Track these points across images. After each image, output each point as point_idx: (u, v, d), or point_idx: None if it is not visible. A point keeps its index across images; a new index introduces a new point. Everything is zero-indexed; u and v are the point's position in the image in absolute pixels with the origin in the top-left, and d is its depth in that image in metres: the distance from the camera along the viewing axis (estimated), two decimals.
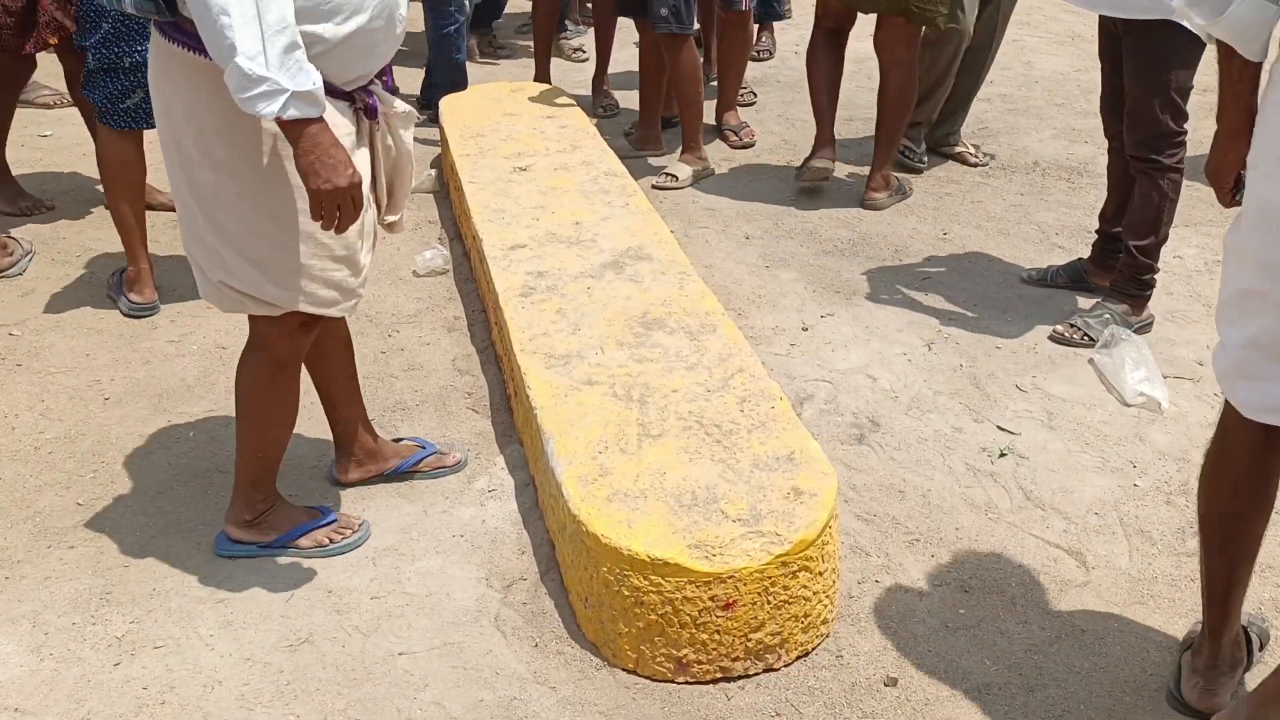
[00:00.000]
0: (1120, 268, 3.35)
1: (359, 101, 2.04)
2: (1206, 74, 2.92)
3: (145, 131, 3.32)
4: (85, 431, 2.83)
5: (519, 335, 2.74)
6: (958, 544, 2.46)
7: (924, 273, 3.77)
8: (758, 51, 6.24)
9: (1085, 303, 3.52)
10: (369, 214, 2.14)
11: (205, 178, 1.99)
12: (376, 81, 2.10)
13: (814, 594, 2.10)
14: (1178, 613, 2.27)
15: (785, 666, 2.10)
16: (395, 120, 2.13)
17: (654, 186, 4.42)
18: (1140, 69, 3.11)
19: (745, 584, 2.00)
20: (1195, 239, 4.05)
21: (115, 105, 3.22)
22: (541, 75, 5.26)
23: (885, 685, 2.08)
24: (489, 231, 3.34)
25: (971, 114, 5.38)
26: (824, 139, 4.33)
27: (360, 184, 1.91)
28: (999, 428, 2.88)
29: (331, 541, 2.37)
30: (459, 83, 4.97)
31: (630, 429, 2.35)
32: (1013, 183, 4.60)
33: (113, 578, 2.32)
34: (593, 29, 5.52)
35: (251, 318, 2.18)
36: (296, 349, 2.21)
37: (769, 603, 2.03)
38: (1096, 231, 3.59)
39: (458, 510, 2.53)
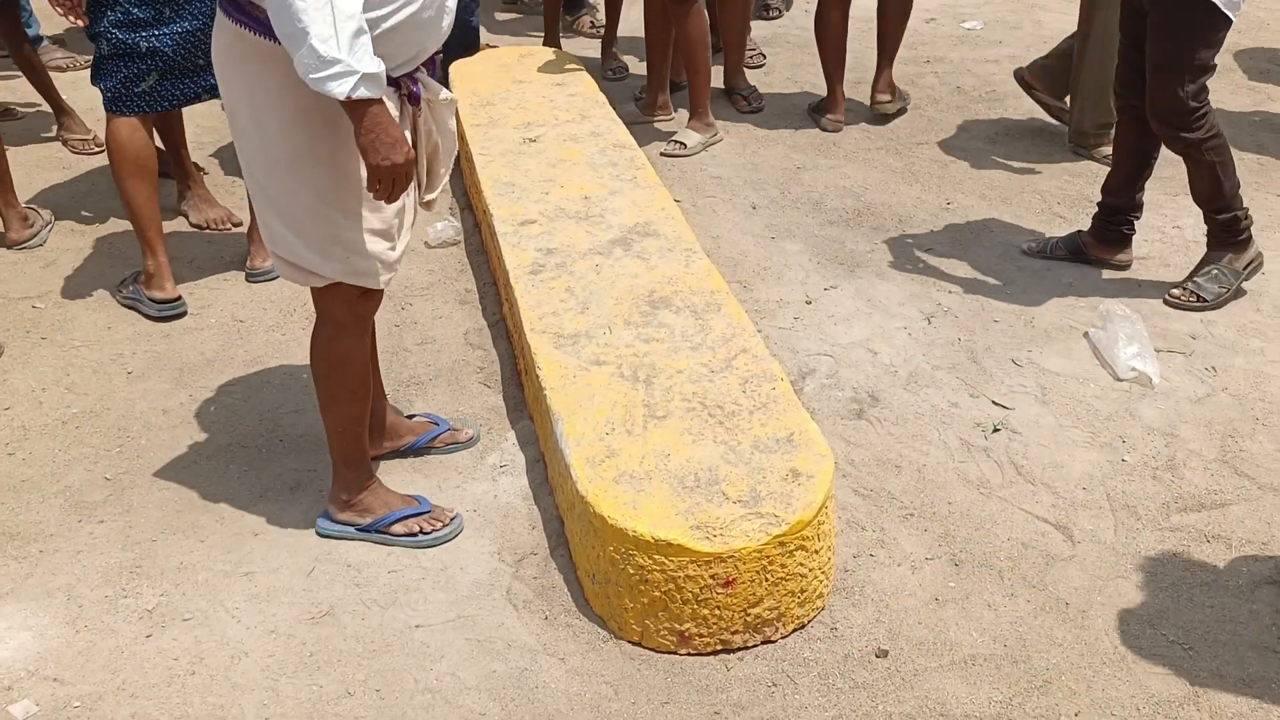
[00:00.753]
0: (1209, 232, 3.48)
1: (404, 88, 2.12)
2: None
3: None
4: (110, 406, 2.94)
5: (529, 314, 2.83)
6: (950, 518, 2.56)
7: (926, 243, 3.83)
8: (769, 10, 6.25)
9: (1071, 272, 3.59)
10: (410, 193, 2.24)
11: (255, 149, 2.11)
12: (421, 69, 2.18)
13: (810, 571, 2.20)
14: (1159, 586, 2.37)
15: (782, 639, 2.21)
16: (439, 107, 2.22)
17: (662, 154, 4.48)
18: (1164, 45, 3.17)
19: (744, 563, 2.10)
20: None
21: (130, 90, 3.20)
22: (551, 39, 5.29)
23: (877, 656, 2.19)
24: (499, 206, 3.41)
25: (979, 77, 5.41)
26: (834, 99, 4.56)
27: (414, 161, 2.03)
28: (994, 403, 2.97)
29: (423, 531, 2.46)
30: (471, 45, 4.99)
31: (636, 410, 2.45)
32: (1017, 149, 4.63)
33: (141, 552, 2.44)
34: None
35: (314, 291, 2.28)
36: (357, 316, 2.31)
37: (767, 580, 2.14)
38: (1098, 204, 3.65)
39: (470, 485, 2.64)
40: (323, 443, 2.77)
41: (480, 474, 2.68)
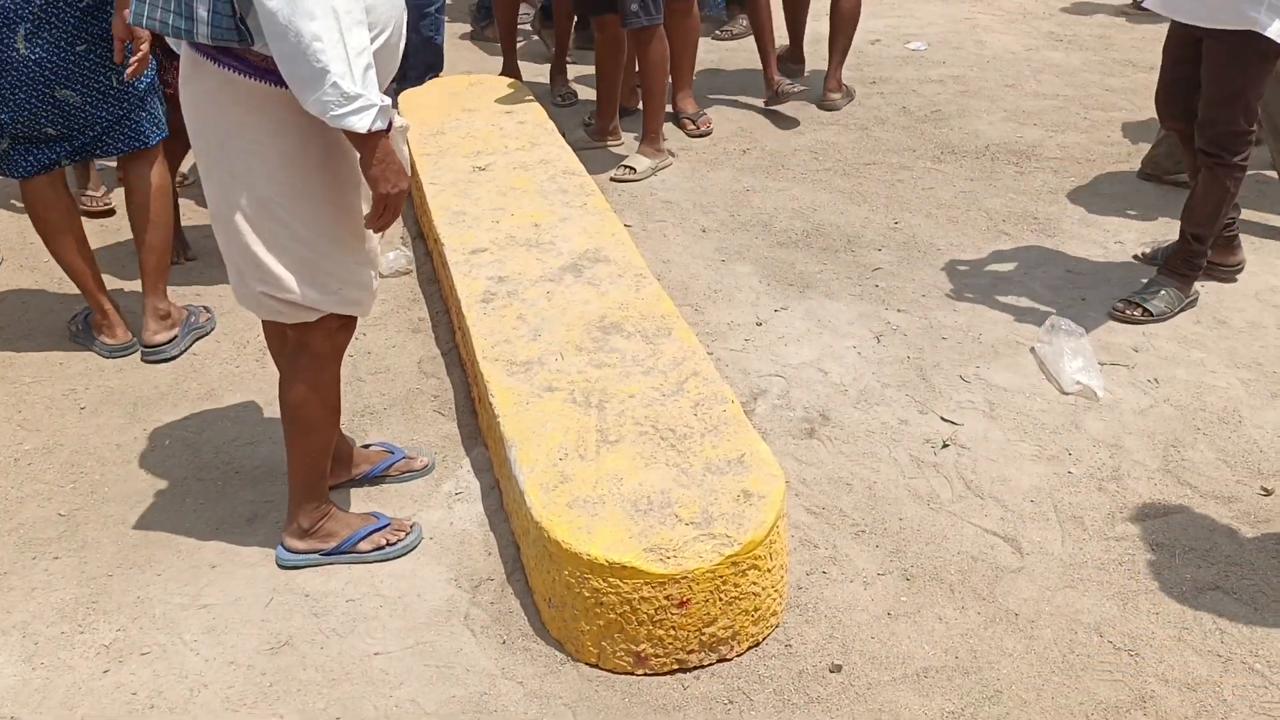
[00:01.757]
0: (1176, 250, 3.55)
1: None
2: None
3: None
4: (63, 442, 2.92)
5: (481, 343, 2.85)
6: (901, 534, 2.61)
7: (875, 263, 3.90)
8: (723, 33, 6.34)
9: (1017, 288, 3.67)
10: None
11: (253, 190, 2.11)
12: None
13: (763, 589, 2.24)
14: (1105, 595, 2.43)
15: (738, 657, 2.25)
16: (395, 134, 2.24)
17: (612, 178, 4.53)
18: (1220, 74, 3.26)
19: (698, 583, 2.13)
20: (1137, 224, 4.20)
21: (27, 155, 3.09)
22: (510, 69, 5.34)
23: (831, 671, 2.22)
24: (450, 235, 3.44)
25: (925, 97, 5.52)
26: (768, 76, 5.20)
27: (409, 186, 2.09)
28: (942, 419, 3.02)
29: (389, 544, 2.49)
30: (435, 65, 5.01)
31: (589, 435, 2.48)
32: (963, 168, 4.73)
33: (97, 587, 2.43)
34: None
35: (294, 327, 2.29)
36: (336, 349, 2.36)
37: (721, 599, 2.17)
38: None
39: (426, 513, 2.65)
40: (278, 474, 2.77)
41: (436, 501, 2.70)
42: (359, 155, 2.03)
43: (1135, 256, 3.90)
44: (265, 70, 1.99)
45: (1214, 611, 2.38)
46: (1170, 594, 2.43)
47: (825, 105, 5.30)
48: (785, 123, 5.20)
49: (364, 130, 1.92)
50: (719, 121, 5.20)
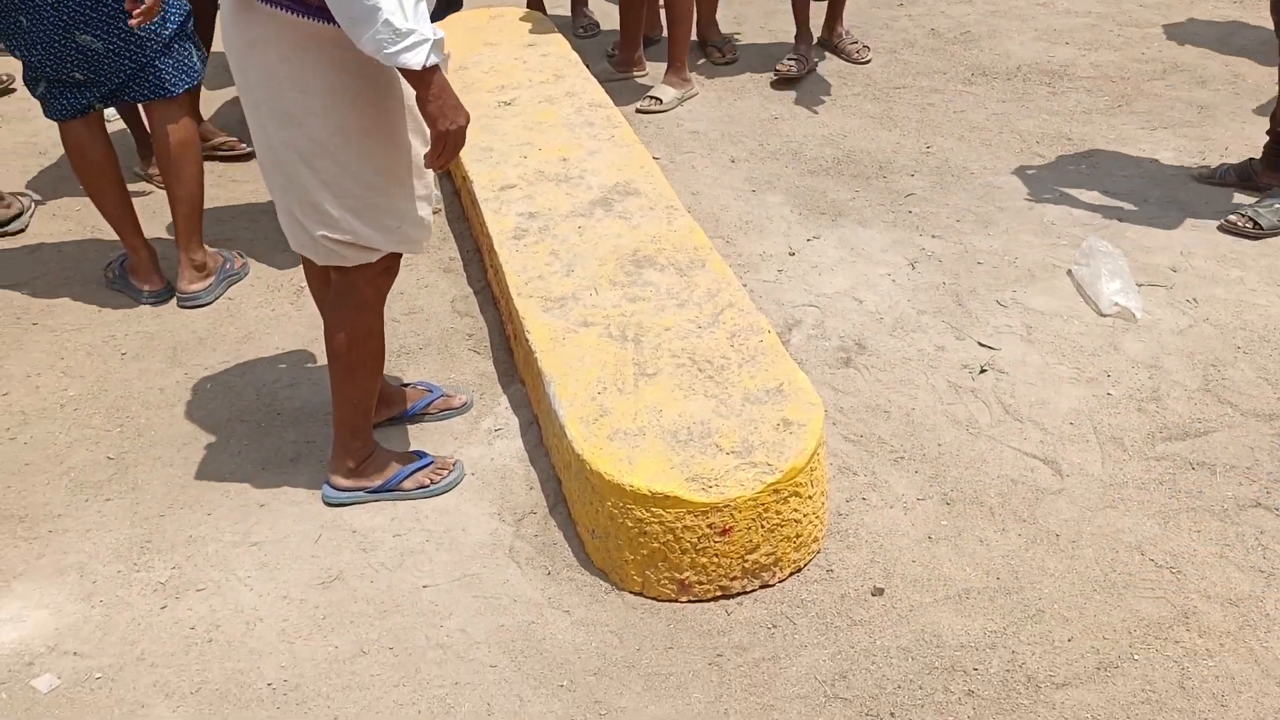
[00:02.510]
0: (1268, 152, 3.53)
1: None
2: None
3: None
4: (107, 387, 2.96)
5: (515, 279, 2.85)
6: (940, 459, 2.61)
7: (908, 189, 3.86)
8: None
9: (1053, 211, 3.64)
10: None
11: (310, 134, 2.10)
12: None
13: (804, 516, 2.25)
14: (1146, 514, 2.43)
15: (780, 583, 2.27)
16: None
17: (638, 110, 4.49)
18: None
19: (740, 512, 2.15)
20: (1173, 141, 4.13)
21: (40, 95, 3.10)
22: (535, 1, 5.28)
23: (873, 595, 2.25)
24: (479, 172, 3.43)
25: (953, 19, 5.42)
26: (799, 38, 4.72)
27: (468, 121, 2.05)
28: (980, 344, 3.01)
29: (433, 482, 2.53)
30: (454, 2, 4.94)
31: (627, 369, 2.49)
32: (995, 90, 4.66)
33: (150, 527, 2.48)
34: None
35: (341, 272, 2.30)
36: (380, 293, 2.36)
37: (763, 527, 2.19)
38: (1269, 133, 3.64)
39: (467, 450, 2.68)
40: (319, 414, 2.81)
41: (476, 438, 2.73)
42: (415, 92, 2.02)
43: (1192, 176, 3.84)
44: (316, 9, 1.97)
45: (1256, 528, 2.38)
46: (1211, 512, 2.43)
47: (858, 58, 4.95)
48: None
49: (419, 66, 1.90)
50: (745, 48, 5.13)
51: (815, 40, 4.95)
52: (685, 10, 4.49)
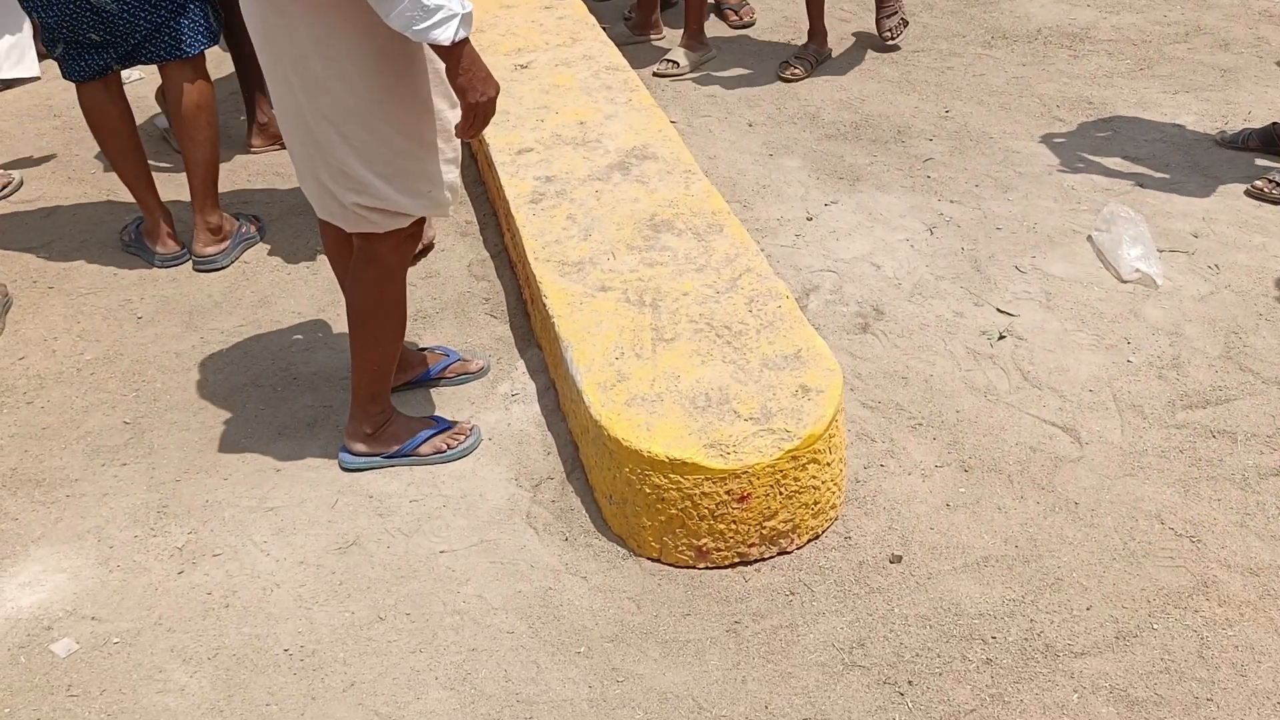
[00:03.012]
0: None
1: None
2: None
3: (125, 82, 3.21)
4: (123, 351, 2.96)
5: (532, 244, 2.83)
6: (958, 426, 2.60)
7: (926, 153, 3.82)
8: None
9: (1073, 177, 3.59)
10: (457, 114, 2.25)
11: (339, 101, 2.08)
12: None
13: (823, 483, 2.24)
14: (1166, 482, 2.41)
15: (798, 549, 2.27)
16: None
17: (655, 73, 4.44)
18: None
19: (758, 478, 2.14)
20: (1195, 105, 4.07)
21: (58, 56, 3.08)
22: None
23: (891, 562, 2.24)
24: (495, 135, 3.40)
25: None
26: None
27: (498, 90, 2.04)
28: (998, 310, 2.99)
29: (449, 447, 2.53)
30: None
31: (644, 334, 2.47)
32: (1014, 53, 4.59)
33: (166, 492, 2.48)
34: None
35: (364, 238, 2.28)
36: (403, 257, 2.35)
37: (781, 493, 2.18)
38: None
39: (484, 415, 2.67)
40: (335, 379, 2.80)
41: (492, 403, 2.72)
42: (444, 64, 2.00)
43: (1215, 140, 3.79)
44: None
45: (1277, 497, 2.36)
46: (1232, 480, 2.41)
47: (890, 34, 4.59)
48: (829, 11, 5.05)
49: (448, 42, 1.87)
50: (762, 11, 5.07)
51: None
52: None
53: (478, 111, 2.01)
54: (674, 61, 4.47)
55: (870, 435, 2.57)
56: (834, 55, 4.56)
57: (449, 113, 2.20)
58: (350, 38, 1.99)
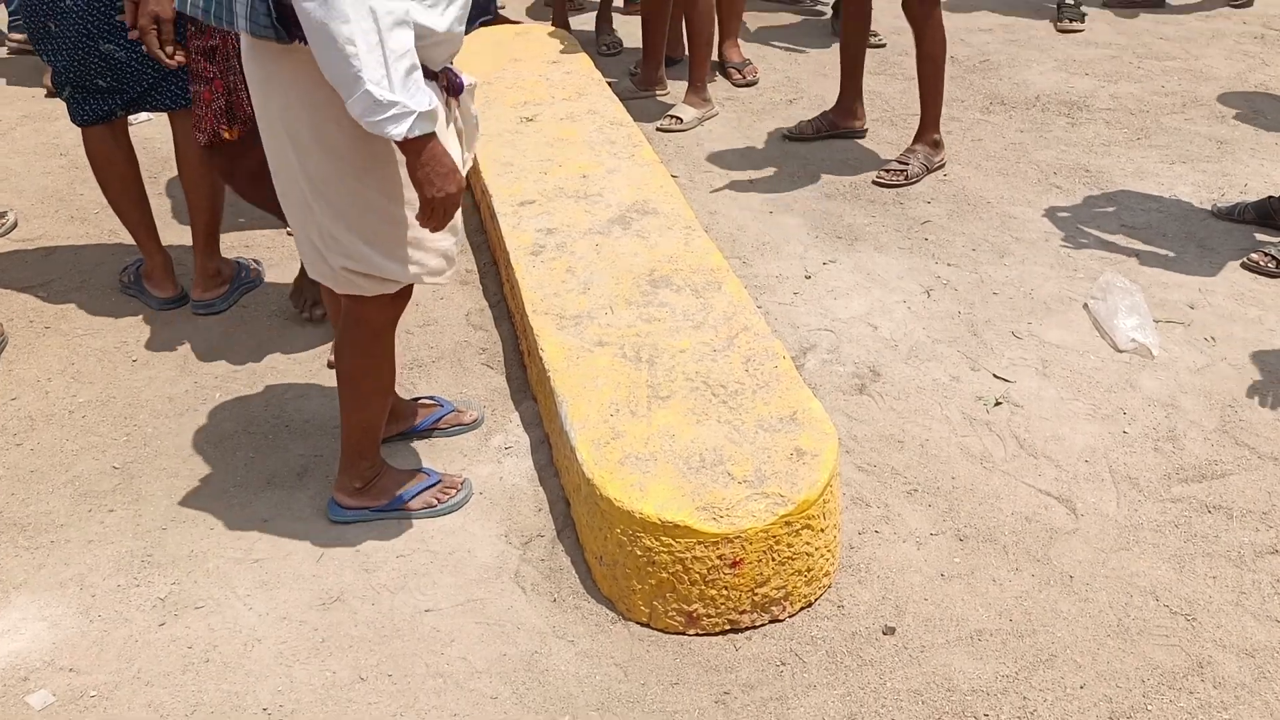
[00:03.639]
0: None
1: (444, 79, 2.10)
2: None
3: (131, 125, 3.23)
4: (116, 394, 2.94)
5: (531, 295, 2.83)
6: (954, 493, 2.58)
7: (924, 215, 3.83)
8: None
9: (1070, 244, 3.61)
10: None
11: (322, 166, 2.07)
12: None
13: (816, 549, 2.22)
14: (1161, 558, 2.39)
15: (790, 618, 2.24)
16: (465, 92, 2.22)
17: (658, 128, 4.47)
18: None
19: (751, 543, 2.12)
20: (1192, 176, 4.10)
21: (65, 99, 3.10)
22: (560, 20, 5.27)
23: (884, 634, 2.21)
24: (498, 187, 3.41)
25: (973, 46, 5.40)
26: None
27: (464, 187, 2.01)
28: (995, 376, 2.98)
29: (439, 502, 2.50)
30: (488, 8, 4.92)
31: (640, 390, 2.46)
32: (1012, 119, 4.63)
33: (152, 540, 2.46)
34: None
35: (351, 299, 2.26)
36: (391, 319, 2.33)
37: (774, 559, 2.16)
38: None
39: (476, 468, 2.65)
40: (328, 427, 2.78)
41: (485, 456, 2.70)
42: (451, 111, 2.00)
43: (1210, 211, 3.81)
44: None
45: (1273, 576, 2.34)
46: (1228, 558, 2.39)
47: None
48: (831, 72, 5.10)
49: (399, 138, 1.86)
50: (765, 71, 5.12)
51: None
52: (706, 32, 4.48)
53: (434, 206, 1.98)
54: (677, 117, 4.50)
55: (865, 500, 2.55)
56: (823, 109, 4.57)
57: None
58: (335, 103, 1.96)
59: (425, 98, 1.87)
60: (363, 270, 2.16)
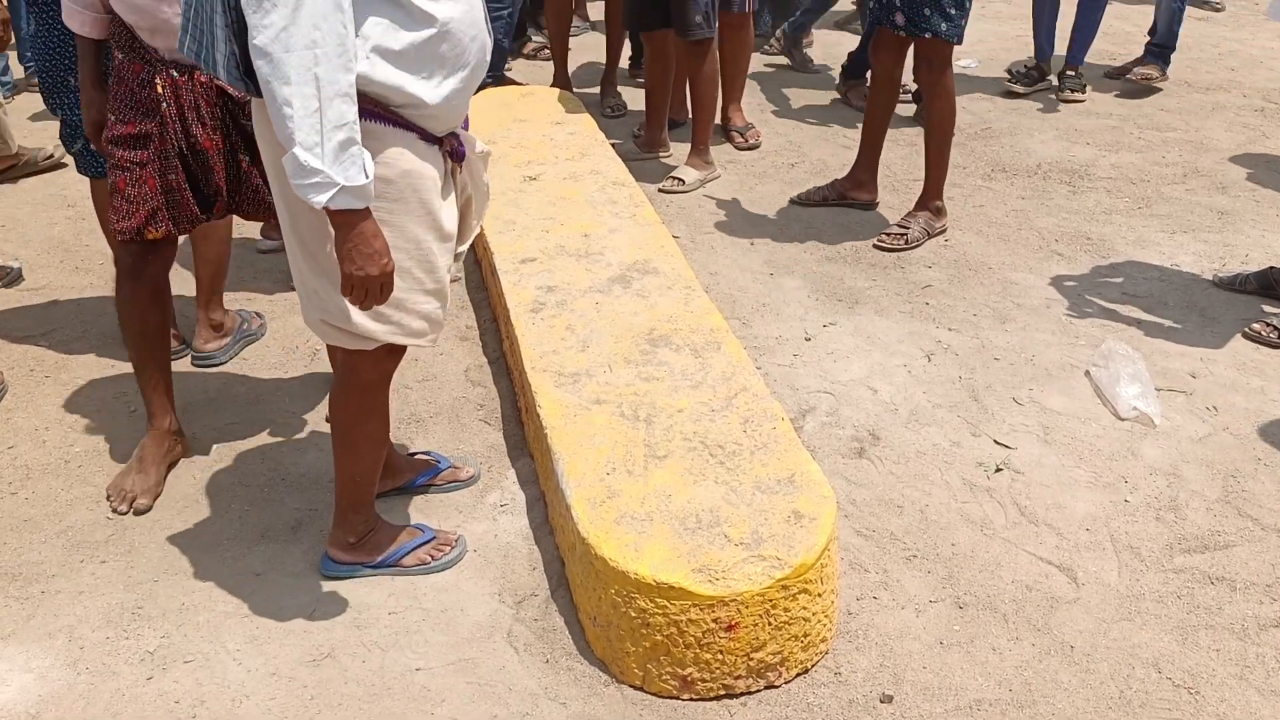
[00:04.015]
0: None
1: (447, 145, 2.11)
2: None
3: None
4: (113, 444, 2.93)
5: (530, 352, 2.83)
6: (953, 560, 2.55)
7: (925, 280, 3.84)
8: (770, 47, 6.30)
9: (1072, 311, 3.61)
10: (449, 251, 2.21)
11: (305, 220, 2.07)
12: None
13: (813, 614, 2.19)
14: (1164, 629, 2.36)
15: (785, 684, 2.20)
16: (474, 160, 2.23)
17: (660, 190, 4.50)
18: None
19: (747, 607, 2.10)
20: (1193, 245, 4.12)
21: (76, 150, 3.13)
22: (560, 80, 5.34)
23: (881, 702, 2.18)
24: (500, 244, 3.43)
25: (975, 114, 5.45)
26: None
27: (391, 272, 1.98)
28: (995, 442, 2.97)
29: (433, 559, 2.48)
30: (495, 66, 4.99)
31: (637, 449, 2.45)
32: (1014, 186, 4.67)
33: (143, 593, 2.43)
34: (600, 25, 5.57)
35: (342, 353, 2.26)
36: (383, 374, 2.31)
37: (770, 624, 2.13)
38: None
39: (471, 525, 2.63)
40: (323, 481, 2.77)
41: (480, 513, 2.68)
42: (447, 176, 2.02)
43: (1212, 281, 3.82)
44: None
45: (1277, 649, 2.31)
46: (1231, 630, 2.36)
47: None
48: (834, 137, 5.16)
49: (319, 206, 1.85)
50: (767, 134, 5.17)
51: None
52: (710, 96, 4.54)
53: (354, 283, 1.96)
54: (679, 179, 4.54)
55: (864, 565, 2.53)
56: (836, 177, 4.60)
57: (432, 244, 2.14)
58: None
59: (358, 173, 1.84)
60: (340, 325, 2.15)
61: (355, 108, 1.84)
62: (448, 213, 2.15)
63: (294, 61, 1.77)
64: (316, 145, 1.80)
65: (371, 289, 1.98)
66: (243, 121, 2.60)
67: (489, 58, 2.12)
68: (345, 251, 1.93)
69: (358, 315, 2.12)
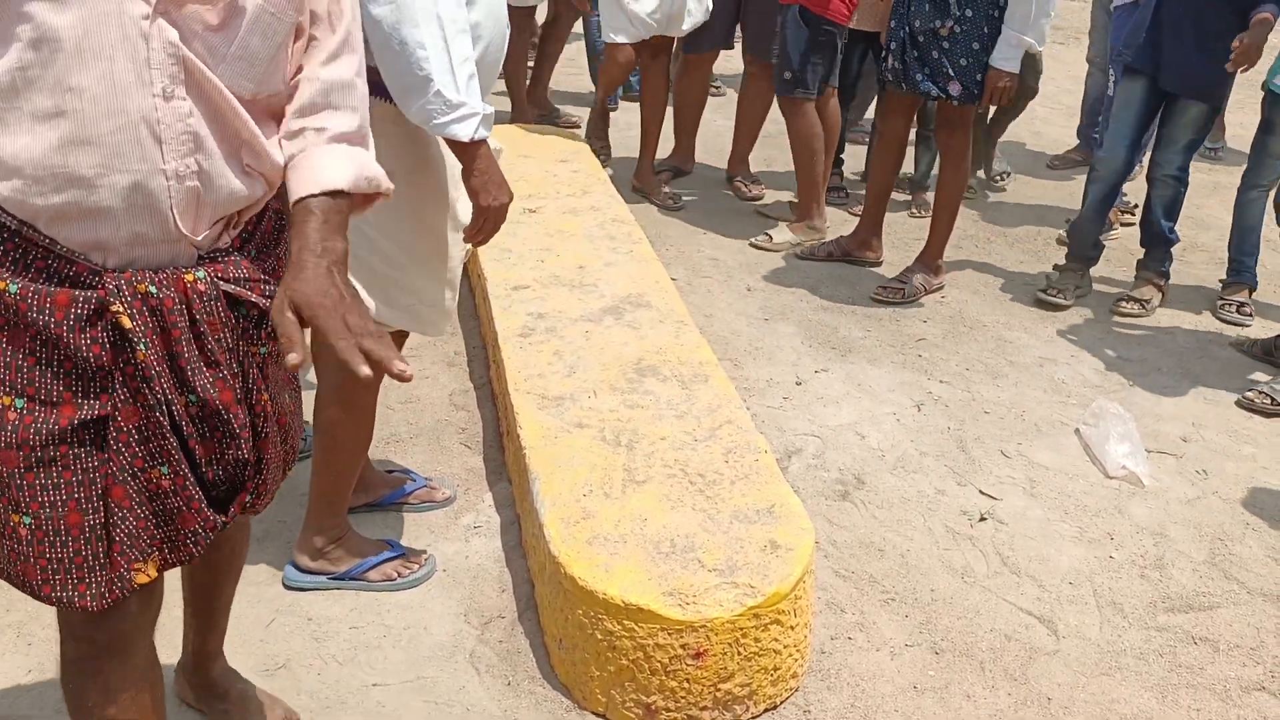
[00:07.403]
0: None
1: None
2: None
3: None
4: None
5: (515, 375, 2.79)
6: (932, 605, 2.49)
7: (919, 333, 3.82)
8: None
9: (1064, 370, 3.58)
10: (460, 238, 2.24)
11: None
12: None
13: (785, 647, 2.13)
14: (1144, 686, 2.30)
15: (752, 718, 2.13)
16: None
17: (750, 244, 4.46)
18: None
19: (716, 634, 2.04)
20: (1184, 315, 4.10)
21: None
22: (520, 114, 5.38)
23: None
24: (494, 271, 3.41)
25: (976, 176, 5.46)
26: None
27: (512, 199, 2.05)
28: (981, 492, 2.92)
29: (400, 575, 2.42)
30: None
31: (616, 473, 2.40)
32: (1012, 248, 4.67)
33: None
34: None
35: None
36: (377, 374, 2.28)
37: (739, 654, 2.07)
38: None
39: (442, 545, 2.57)
40: (295, 493, 2.71)
41: (453, 534, 2.62)
42: (460, 167, 2.01)
43: (1231, 344, 3.83)
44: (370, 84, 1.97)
45: (1259, 713, 2.24)
46: (1213, 691, 2.30)
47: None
48: (837, 191, 5.17)
49: (467, 138, 1.90)
50: (770, 183, 5.18)
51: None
52: (809, 158, 4.40)
53: (488, 215, 2.02)
54: (768, 235, 4.48)
55: (840, 605, 2.47)
56: (836, 234, 4.59)
57: (448, 233, 2.18)
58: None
59: (485, 103, 1.91)
60: None
61: (470, 40, 1.89)
62: (463, 204, 2.16)
63: (418, 4, 1.82)
64: (450, 81, 1.85)
65: (501, 218, 2.03)
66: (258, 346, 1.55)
67: (505, 44, 2.15)
68: (479, 184, 1.97)
69: (370, 296, 2.12)
